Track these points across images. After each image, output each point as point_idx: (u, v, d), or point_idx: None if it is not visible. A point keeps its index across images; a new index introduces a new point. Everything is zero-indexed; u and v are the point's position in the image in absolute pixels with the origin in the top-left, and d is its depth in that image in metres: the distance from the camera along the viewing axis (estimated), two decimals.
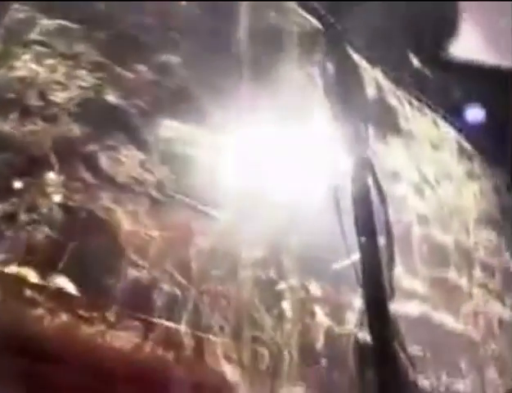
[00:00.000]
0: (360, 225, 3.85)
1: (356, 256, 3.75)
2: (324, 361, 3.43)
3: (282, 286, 3.49)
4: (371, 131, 4.22)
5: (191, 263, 3.17)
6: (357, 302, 3.62)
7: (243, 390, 3.10)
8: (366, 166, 4.09)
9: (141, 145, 3.22)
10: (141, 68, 3.37)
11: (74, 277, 2.72)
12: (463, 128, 5.10)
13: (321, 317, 3.56)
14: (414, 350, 3.75)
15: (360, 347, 3.54)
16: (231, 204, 3.50)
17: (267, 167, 3.71)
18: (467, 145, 4.93)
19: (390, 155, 4.35)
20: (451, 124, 4.98)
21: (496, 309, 4.35)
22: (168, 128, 3.38)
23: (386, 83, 4.58)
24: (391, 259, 3.82)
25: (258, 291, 3.40)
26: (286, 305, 3.47)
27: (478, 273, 4.41)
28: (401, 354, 3.60)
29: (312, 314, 3.54)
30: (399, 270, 3.92)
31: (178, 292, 3.06)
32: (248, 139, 3.70)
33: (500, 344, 4.26)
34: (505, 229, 4.70)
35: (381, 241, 3.87)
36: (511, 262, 4.61)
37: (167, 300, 2.99)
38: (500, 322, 4.36)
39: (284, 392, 3.24)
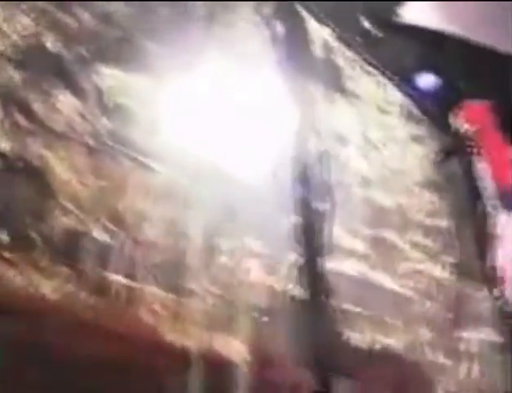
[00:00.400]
0: (301, 185, 3.86)
1: (295, 215, 3.77)
2: (258, 315, 3.45)
3: (220, 241, 3.49)
4: (317, 90, 4.22)
5: (126, 213, 3.15)
6: (294, 259, 3.64)
7: (175, 341, 3.11)
8: (310, 125, 4.09)
9: (79, 92, 3.18)
10: (84, 16, 3.31)
11: (2, 223, 2.69)
12: (412, 93, 5.12)
13: (258, 273, 3.58)
14: (349, 306, 3.80)
15: (295, 302, 3.57)
16: (172, 159, 3.48)
17: (211, 122, 3.69)
18: (415, 109, 4.95)
19: (335, 115, 4.36)
20: (400, 88, 4.99)
21: (433, 270, 4.42)
22: (109, 76, 3.34)
23: (335, 44, 4.57)
24: (330, 219, 3.85)
25: (194, 245, 3.40)
26: (223, 260, 3.48)
27: (417, 234, 4.47)
28: (336, 311, 3.65)
29: (249, 270, 3.56)
30: (339, 230, 3.96)
31: (111, 241, 3.04)
32: (193, 93, 3.66)
33: (434, 304, 4.34)
34: (447, 193, 4.75)
35: (321, 201, 3.89)
36: (451, 225, 4.67)
37: (99, 249, 2.98)
38: (436, 282, 4.43)
39: (218, 344, 3.26)
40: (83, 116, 3.18)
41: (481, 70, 5.04)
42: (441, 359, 4.23)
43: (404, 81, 5.10)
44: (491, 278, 4.71)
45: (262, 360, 3.30)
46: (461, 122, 2.66)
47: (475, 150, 2.70)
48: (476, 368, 4.44)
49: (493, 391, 4.51)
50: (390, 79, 4.94)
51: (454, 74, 5.11)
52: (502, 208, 2.38)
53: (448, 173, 4.73)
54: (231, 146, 3.72)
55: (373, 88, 4.79)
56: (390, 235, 4.30)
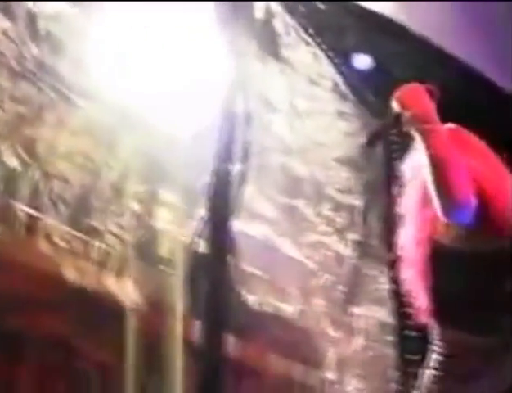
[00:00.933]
0: (221, 144, 3.88)
1: (211, 173, 3.79)
2: (159, 264, 3.50)
3: (132, 185, 3.51)
4: (252, 52, 4.22)
5: (41, 143, 3.13)
6: (202, 213, 3.68)
7: (70, 275, 3.13)
8: (239, 86, 4.10)
9: (11, 14, 3.12)
10: None
11: None
12: (346, 70, 5.16)
13: (165, 222, 3.61)
14: (249, 268, 3.87)
15: (198, 257, 3.62)
16: (98, 97, 3.46)
17: (142, 68, 3.66)
18: (345, 87, 5.00)
19: (266, 80, 4.38)
20: (334, 63, 5.03)
21: (336, 244, 4.52)
22: (43, 4, 3.28)
23: (278, 9, 4.57)
24: (243, 181, 3.88)
25: (105, 186, 3.41)
26: (132, 204, 3.50)
27: (327, 208, 4.55)
28: (237, 271, 3.71)
29: (157, 218, 3.59)
30: (251, 192, 4.01)
31: (21, 169, 3.02)
32: (127, 36, 3.63)
33: (333, 276, 4.44)
34: (363, 172, 4.84)
35: (238, 163, 3.91)
36: (361, 204, 4.77)
37: (7, 174, 2.95)
38: (338, 257, 4.54)
39: (110, 284, 3.29)
40: (11, 39, 3.13)
41: (419, 61, 5.14)
42: (332, 330, 4.35)
43: (340, 58, 5.13)
44: (392, 259, 4.84)
45: (153, 306, 3.35)
46: (397, 105, 2.66)
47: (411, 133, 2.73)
48: (364, 344, 4.59)
49: (378, 369, 4.66)
50: (327, 53, 4.97)
51: (391, 60, 5.17)
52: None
53: (370, 153, 4.84)
54: (160, 95, 3.71)
55: (308, 58, 4.82)
56: (301, 205, 4.38)
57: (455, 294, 2.39)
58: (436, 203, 2.26)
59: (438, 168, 2.26)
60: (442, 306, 2.41)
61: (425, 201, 2.43)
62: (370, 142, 2.40)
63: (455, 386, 2.34)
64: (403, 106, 2.50)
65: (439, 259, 2.41)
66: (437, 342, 2.42)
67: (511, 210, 2.39)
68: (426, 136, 2.30)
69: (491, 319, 2.36)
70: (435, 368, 2.39)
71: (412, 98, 2.51)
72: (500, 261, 2.36)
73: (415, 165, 2.59)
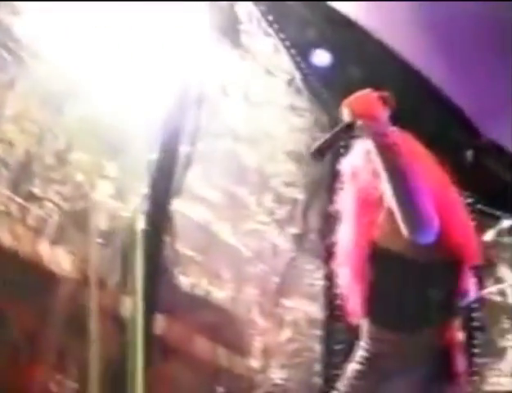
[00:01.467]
0: (171, 124, 3.90)
1: (157, 151, 3.80)
2: (95, 236, 3.50)
3: (76, 155, 3.50)
4: (211, 36, 4.23)
5: None
6: (143, 190, 3.70)
7: (5, 239, 3.12)
8: (195, 68, 4.12)
9: None
10: None
11: None
12: (304, 66, 5.19)
13: (106, 195, 3.62)
14: (185, 249, 3.90)
15: (133, 232, 3.63)
16: (49, 61, 3.44)
17: (98, 36, 3.65)
18: (301, 82, 5.03)
19: (223, 65, 4.39)
20: (293, 57, 5.05)
21: (274, 234, 4.56)
22: None
23: None
24: (188, 163, 3.91)
25: (49, 153, 3.40)
26: (75, 174, 3.50)
27: (269, 198, 4.59)
28: (171, 250, 3.73)
29: (98, 190, 3.59)
30: (195, 174, 4.03)
31: None
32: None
33: (267, 266, 4.48)
34: (308, 167, 4.88)
35: (185, 145, 3.93)
36: (303, 198, 4.81)
37: None
38: (275, 247, 4.57)
39: (44, 249, 3.29)
40: None
41: (376, 62, 5.20)
42: (261, 320, 4.40)
43: (299, 52, 5.16)
44: (327, 255, 4.92)
45: (84, 277, 3.36)
46: (349, 113, 2.64)
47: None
48: (291, 337, 4.64)
49: (303, 362, 4.73)
50: (286, 46, 4.99)
51: (349, 59, 5.22)
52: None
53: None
54: (114, 69, 3.71)
55: (268, 49, 4.84)
56: (244, 193, 4.41)
57: (387, 295, 2.46)
58: (401, 222, 2.31)
59: (400, 187, 2.28)
60: (374, 305, 2.48)
61: (367, 205, 2.49)
62: (320, 153, 2.38)
63: (377, 383, 2.42)
64: (355, 114, 2.51)
65: (376, 261, 2.48)
66: (365, 339, 2.49)
67: (455, 224, 2.48)
68: (384, 150, 2.32)
69: (416, 322, 2.44)
70: (360, 363, 2.47)
71: (364, 107, 2.51)
72: (433, 272, 2.45)
73: (355, 165, 2.65)
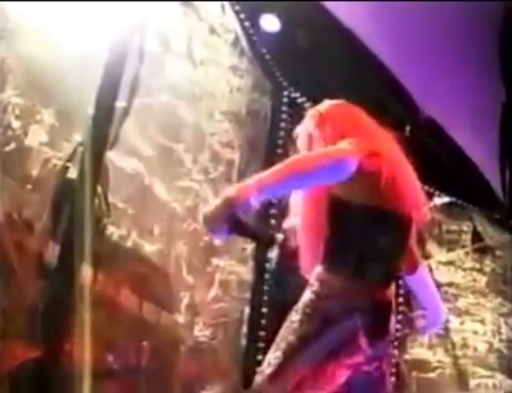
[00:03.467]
0: (109, 74, 3.85)
1: (94, 103, 3.76)
2: (26, 182, 3.46)
3: (15, 100, 3.44)
4: None
5: None
6: (77, 139, 3.66)
7: None
8: (138, 21, 4.07)
9: None
10: None
11: None
12: (251, 28, 5.17)
13: (38, 140, 3.57)
14: (116, 201, 3.87)
15: (65, 180, 3.61)
16: None
17: None
18: (245, 43, 5.02)
19: (167, 20, 4.35)
20: (240, 18, 5.03)
21: (207, 193, 4.55)
22: None
23: None
24: (125, 115, 3.88)
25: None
26: (7, 118, 3.44)
27: (205, 157, 4.59)
28: (102, 200, 3.71)
29: (31, 136, 3.54)
30: (131, 127, 4.01)
31: None
32: None
33: (199, 225, 4.46)
34: (246, 128, 4.90)
35: (122, 98, 3.89)
36: (239, 159, 4.82)
37: None
38: (206, 204, 4.54)
39: None
40: None
41: (324, 33, 5.23)
42: (190, 277, 4.42)
43: (247, 14, 5.13)
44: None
45: (12, 222, 3.32)
46: (310, 122, 2.77)
47: None
48: (219, 296, 4.68)
49: (229, 321, 4.78)
50: (234, 6, 4.96)
51: (297, 27, 5.23)
52: None
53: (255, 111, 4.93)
54: (55, 13, 3.65)
55: (214, 8, 4.82)
56: (180, 149, 4.40)
57: (345, 244, 2.59)
58: None
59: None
60: (331, 253, 2.58)
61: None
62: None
63: (319, 324, 2.51)
64: (315, 124, 2.67)
65: (334, 211, 2.57)
66: (314, 282, 2.57)
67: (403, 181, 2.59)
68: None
69: (366, 271, 2.57)
70: (306, 306, 2.57)
71: (326, 119, 2.66)
72: (387, 223, 2.60)
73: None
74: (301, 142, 2.81)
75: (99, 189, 3.71)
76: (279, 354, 2.53)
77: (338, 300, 2.54)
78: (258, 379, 2.56)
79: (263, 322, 4.98)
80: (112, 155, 3.83)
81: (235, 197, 2.25)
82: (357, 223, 2.59)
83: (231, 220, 2.23)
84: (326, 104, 2.84)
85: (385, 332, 2.64)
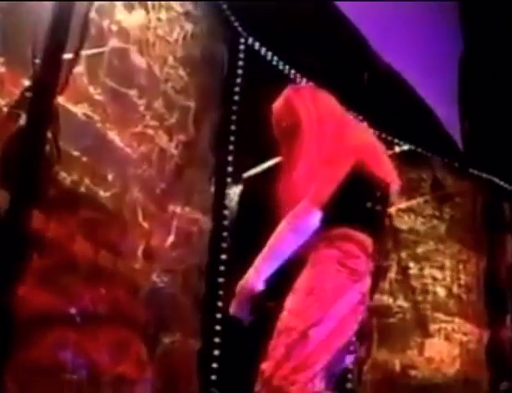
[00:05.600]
0: (58, 17, 3.78)
1: (41, 44, 3.69)
2: None
3: None
4: None
5: None
6: (27, 83, 3.60)
7: None
8: None
9: None
10: None
11: None
12: None
13: None
14: (67, 147, 3.83)
15: (14, 127, 3.56)
16: None
17: None
18: None
19: None
20: None
21: (162, 139, 4.53)
22: None
23: None
24: (75, 59, 3.82)
25: None
26: None
27: (159, 103, 4.55)
28: (52, 146, 3.67)
29: None
30: (82, 72, 3.96)
31: None
32: None
33: (154, 170, 4.46)
34: (201, 75, 4.86)
35: (74, 39, 3.83)
36: (193, 105, 4.79)
37: None
38: (160, 151, 4.53)
39: None
40: None
41: None
42: (145, 223, 4.41)
43: None
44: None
45: None
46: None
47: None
48: (176, 242, 4.68)
49: (186, 268, 4.80)
50: None
51: None
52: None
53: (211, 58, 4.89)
54: None
55: None
56: (133, 95, 4.36)
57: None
58: None
59: None
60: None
61: None
62: None
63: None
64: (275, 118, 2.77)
65: None
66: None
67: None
68: None
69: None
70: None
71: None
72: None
73: None
74: (277, 119, 2.94)
75: (49, 135, 3.67)
76: None
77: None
78: None
79: (222, 268, 5.01)
80: (62, 101, 3.78)
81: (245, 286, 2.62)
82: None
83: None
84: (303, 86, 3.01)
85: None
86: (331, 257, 2.67)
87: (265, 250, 2.63)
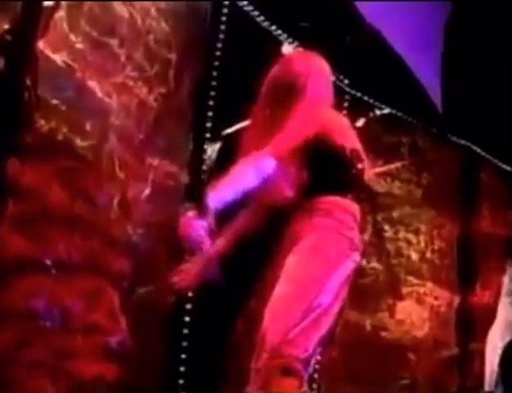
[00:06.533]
0: None
1: None
2: None
3: None
4: None
5: None
6: (4, 28, 3.57)
7: None
8: None
9: None
10: None
11: None
12: None
13: None
14: (46, 95, 3.81)
15: None
16: None
17: None
18: None
19: None
20: None
21: (140, 90, 4.45)
22: None
23: None
24: (55, 8, 3.79)
25: None
26: None
27: (140, 54, 4.48)
28: (31, 93, 3.65)
29: None
30: (62, 20, 3.92)
31: None
32: None
33: (133, 122, 4.43)
34: (184, 28, 4.81)
35: None
36: (174, 57, 4.74)
37: None
38: (142, 103, 4.49)
39: None
40: None
41: None
42: (122, 174, 4.39)
43: None
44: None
45: None
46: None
47: None
48: (153, 195, 4.68)
49: (163, 220, 4.79)
50: None
51: None
52: None
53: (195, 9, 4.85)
54: None
55: None
56: (114, 44, 4.31)
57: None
58: None
59: None
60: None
61: None
62: None
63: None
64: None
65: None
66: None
67: None
68: None
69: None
70: None
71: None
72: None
73: None
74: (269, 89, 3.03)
75: (28, 81, 3.65)
76: None
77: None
78: None
79: None
80: (42, 47, 3.75)
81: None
82: None
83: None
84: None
85: None
86: (329, 226, 2.77)
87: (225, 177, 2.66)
